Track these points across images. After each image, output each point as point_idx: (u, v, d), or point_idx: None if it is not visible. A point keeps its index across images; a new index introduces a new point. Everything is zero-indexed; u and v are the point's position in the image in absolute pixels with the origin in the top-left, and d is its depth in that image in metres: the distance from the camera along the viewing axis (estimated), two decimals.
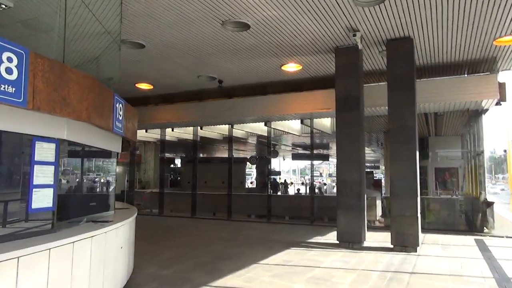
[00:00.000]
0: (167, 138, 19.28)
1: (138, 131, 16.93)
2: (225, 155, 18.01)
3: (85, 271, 3.88)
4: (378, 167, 43.31)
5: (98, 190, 5.98)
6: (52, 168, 3.79)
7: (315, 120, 13.82)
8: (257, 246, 8.80)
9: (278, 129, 15.46)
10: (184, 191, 18.09)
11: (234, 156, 26.19)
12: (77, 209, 4.74)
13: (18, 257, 2.96)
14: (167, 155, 30.81)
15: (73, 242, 3.64)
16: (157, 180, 25.46)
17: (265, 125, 14.07)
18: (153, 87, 13.22)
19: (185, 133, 16.69)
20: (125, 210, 6.80)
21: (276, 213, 14.42)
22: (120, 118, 5.05)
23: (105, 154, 5.76)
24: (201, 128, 15.49)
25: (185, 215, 15.25)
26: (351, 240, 8.78)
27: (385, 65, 10.07)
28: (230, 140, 15.40)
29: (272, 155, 24.14)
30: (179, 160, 30.11)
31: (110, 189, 5.98)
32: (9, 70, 2.98)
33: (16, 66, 3.03)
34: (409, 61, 8.70)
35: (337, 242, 8.98)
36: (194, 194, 15.45)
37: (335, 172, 10.30)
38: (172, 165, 30.01)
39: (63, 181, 5.40)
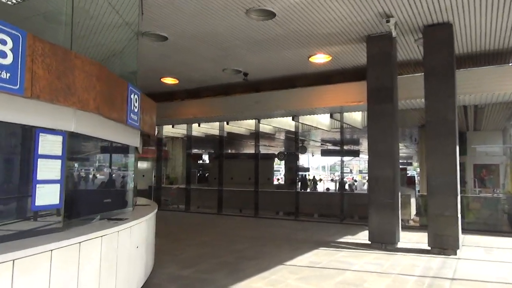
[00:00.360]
0: (195, 133, 19.15)
1: (165, 126, 16.99)
2: (253, 151, 17.69)
3: (94, 275, 3.60)
4: (410, 164, 41.88)
5: (115, 186, 5.71)
6: (58, 162, 3.52)
7: (345, 114, 13.24)
8: (283, 245, 8.40)
9: (306, 124, 14.95)
10: (211, 187, 17.90)
11: (262, 152, 25.92)
12: (90, 206, 4.49)
13: (13, 260, 2.68)
14: (195, 151, 30.93)
15: (79, 242, 3.36)
16: (185, 176, 25.55)
17: (293, 119, 13.60)
18: (178, 81, 13.02)
19: (212, 128, 16.47)
20: (146, 206, 6.55)
21: (305, 210, 13.94)
22: (136, 110, 4.76)
23: (122, 148, 5.50)
24: (227, 123, 15.19)
25: (212, 212, 15.03)
26: (384, 241, 8.24)
27: (421, 55, 9.42)
28: (256, 135, 15.03)
29: (300, 151, 23.62)
30: (207, 156, 30.10)
31: (128, 185, 5.71)
32: (2, 54, 2.71)
33: (11, 50, 2.76)
34: (448, 48, 8.03)
35: (369, 242, 8.46)
36: (221, 191, 15.19)
37: (366, 169, 9.74)
38: (200, 161, 30.02)
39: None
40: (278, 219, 13.40)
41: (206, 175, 26.32)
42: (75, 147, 4.38)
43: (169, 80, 12.93)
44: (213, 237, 9.46)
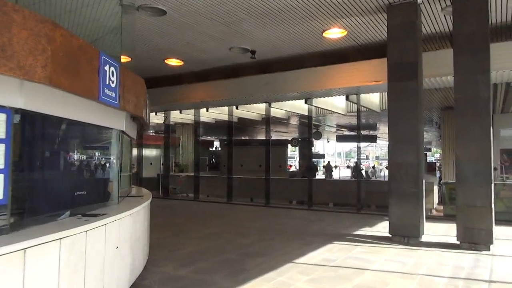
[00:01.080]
0: (205, 119, 18.43)
1: (173, 112, 16.29)
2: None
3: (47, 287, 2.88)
4: (429, 149, 40.49)
5: (93, 176, 4.97)
6: (1, 147, 2.79)
7: (362, 96, 12.28)
8: (294, 239, 7.63)
9: (320, 108, 14.05)
10: (223, 175, 17.20)
11: (275, 138, 25.10)
12: (56, 200, 3.77)
13: None
14: (206, 137, 30.25)
15: (24, 248, 2.63)
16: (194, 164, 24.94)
17: (306, 102, 12.72)
18: (183, 63, 12.22)
19: (222, 114, 15.69)
20: (137, 198, 5.85)
21: (319, 199, 13.15)
22: (113, 85, 3.99)
23: (101, 132, 4.75)
24: (236, 108, 14.38)
25: (221, 201, 14.35)
26: (406, 234, 7.40)
27: (449, 27, 8.42)
28: (267, 120, 14.19)
29: (314, 136, 22.71)
30: (218, 142, 29.42)
31: (112, 175, 4.98)
32: None
33: None
34: (481, 17, 7.01)
35: (389, 235, 7.63)
36: (230, 179, 14.47)
37: (383, 155, 8.84)
38: (211, 148, 29.36)
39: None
40: (291, 208, 12.63)
41: (217, 162, 25.70)
42: (37, 128, 3.65)
43: (173, 62, 12.14)
44: (219, 229, 8.75)
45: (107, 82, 3.85)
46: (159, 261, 5.95)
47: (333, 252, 6.64)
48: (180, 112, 15.94)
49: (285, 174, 19.25)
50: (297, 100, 13.72)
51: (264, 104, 13.66)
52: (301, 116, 18.09)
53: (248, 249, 6.84)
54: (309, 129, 14.42)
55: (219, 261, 5.99)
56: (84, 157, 4.36)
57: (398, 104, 7.68)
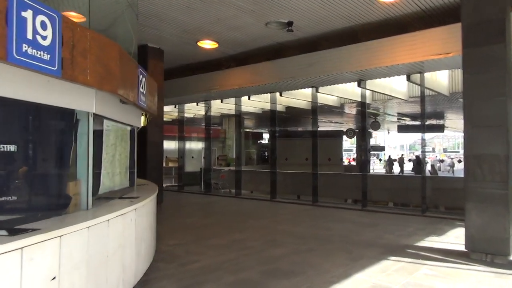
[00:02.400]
0: (251, 109, 17.17)
1: (216, 102, 15.15)
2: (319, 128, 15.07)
3: None
4: None
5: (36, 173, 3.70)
6: None
7: (426, 77, 10.26)
8: (338, 252, 6.07)
9: (377, 92, 12.20)
10: (272, 169, 15.84)
11: (327, 129, 23.24)
12: None
13: None
14: (256, 129, 29.04)
15: None
16: (244, 157, 23.80)
17: (359, 85, 10.92)
18: (218, 44, 10.96)
19: (268, 102, 14.25)
20: (127, 200, 4.63)
21: (375, 198, 11.36)
22: (44, 42, 2.73)
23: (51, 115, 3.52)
24: (280, 95, 12.87)
25: (264, 198, 13.01)
26: (490, 251, 5.55)
27: None
28: (314, 108, 12.54)
29: (372, 127, 20.60)
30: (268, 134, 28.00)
31: (77, 171, 3.74)
32: None
33: None
34: None
35: (465, 250, 5.82)
36: (274, 173, 13.06)
37: (450, 147, 6.94)
38: (261, 141, 28.08)
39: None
40: (341, 208, 10.94)
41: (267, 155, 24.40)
42: None
43: (207, 44, 10.92)
44: (249, 235, 7.39)
45: (29, 36, 2.59)
46: (154, 282, 4.69)
47: (388, 273, 5.00)
48: (222, 102, 14.76)
49: (338, 169, 17.45)
50: (349, 83, 11.96)
51: (310, 88, 12.03)
52: (357, 104, 16.20)
53: (275, 264, 5.41)
54: (363, 118, 12.60)
55: (234, 282, 4.62)
56: (13, 148, 3.11)
57: (477, 76, 5.80)
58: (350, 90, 12.97)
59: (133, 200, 4.61)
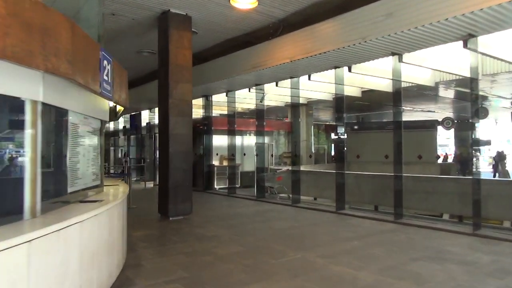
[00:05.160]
0: (319, 95, 14.03)
1: (271, 89, 12.18)
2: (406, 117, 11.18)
3: None
4: None
5: None
6: None
7: None
8: None
9: (493, 57, 8.37)
10: (338, 169, 12.57)
11: (419, 120, 18.96)
12: None
13: None
14: (327, 121, 25.44)
15: None
16: (314, 155, 20.56)
17: (465, 46, 7.21)
18: (258, 2, 8.08)
19: (335, 84, 10.96)
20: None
21: (491, 214, 7.64)
22: None
23: None
24: (349, 70, 9.50)
25: (328, 208, 9.82)
26: None
27: None
28: (397, 91, 8.93)
29: (478, 114, 16.03)
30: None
31: None
32: None
33: None
34: None
35: None
36: (341, 175, 9.79)
37: None
38: (336, 134, 24.37)
39: None
40: (437, 230, 7.36)
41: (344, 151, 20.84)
42: None
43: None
44: (283, 285, 4.39)
45: None
46: None
47: None
48: (277, 85, 11.79)
49: (432, 169, 13.45)
50: (448, 49, 8.30)
51: (392, 59, 8.52)
52: (458, 82, 12.18)
53: None
54: (474, 101, 8.69)
55: None
56: None
57: None
58: (447, 64, 9.25)
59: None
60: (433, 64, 9.23)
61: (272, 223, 8.21)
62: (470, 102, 8.72)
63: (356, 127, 17.57)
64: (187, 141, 8.84)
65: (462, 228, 7.30)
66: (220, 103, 14.83)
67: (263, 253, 5.79)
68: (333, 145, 22.69)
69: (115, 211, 4.34)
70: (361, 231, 7.33)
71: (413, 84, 11.62)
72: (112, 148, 24.06)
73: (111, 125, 24.72)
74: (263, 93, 12.63)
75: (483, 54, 7.82)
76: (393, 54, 8.23)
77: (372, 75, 10.19)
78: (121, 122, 23.08)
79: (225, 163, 15.15)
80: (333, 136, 25.06)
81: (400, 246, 6.17)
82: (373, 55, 8.36)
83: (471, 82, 7.91)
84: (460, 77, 10.30)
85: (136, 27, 9.68)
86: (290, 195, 11.38)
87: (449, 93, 14.75)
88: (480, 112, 14.08)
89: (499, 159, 21.25)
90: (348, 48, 7.85)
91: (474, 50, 7.29)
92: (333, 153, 22.43)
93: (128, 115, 20.76)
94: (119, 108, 5.38)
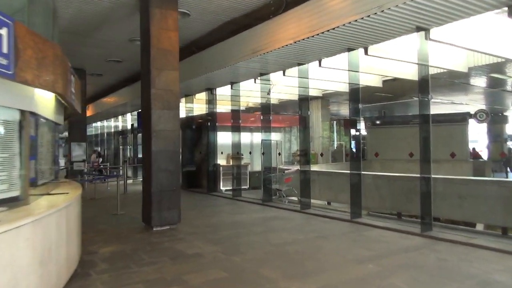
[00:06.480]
0: (334, 87, 12.51)
1: (279, 79, 10.39)
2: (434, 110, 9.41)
3: None
4: None
5: None
6: None
7: None
8: None
9: None
10: (353, 170, 11.07)
11: (448, 113, 17.14)
12: None
13: None
14: (343, 115, 23.72)
15: None
16: (333, 152, 19.06)
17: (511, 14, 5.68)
18: None
19: (348, 70, 9.43)
20: None
21: None
22: None
23: None
24: (366, 53, 8.00)
25: (342, 215, 8.39)
26: None
27: None
28: (423, 78, 7.32)
29: None
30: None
31: None
32: None
33: None
34: None
35: None
36: (358, 176, 8.33)
37: None
38: (355, 131, 22.72)
39: None
40: (478, 247, 5.83)
41: (364, 148, 19.17)
42: None
43: None
44: None
45: None
46: None
47: None
48: (284, 74, 10.38)
49: (464, 168, 11.76)
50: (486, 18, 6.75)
51: (418, 36, 6.98)
52: (492, 67, 10.48)
53: None
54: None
55: None
56: None
57: None
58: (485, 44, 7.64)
59: None
60: (468, 43, 7.62)
61: (272, 236, 6.84)
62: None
63: (378, 121, 15.99)
64: (173, 138, 7.55)
65: (509, 246, 5.75)
66: (227, 97, 13.53)
67: (247, 282, 4.44)
68: (353, 141, 21.08)
69: (25, 236, 3.10)
70: (379, 248, 5.88)
71: (443, 71, 10.02)
72: (121, 147, 23.18)
73: (119, 124, 23.90)
74: (270, 84, 11.26)
75: None
76: (418, 29, 6.71)
77: (394, 59, 8.65)
78: (129, 120, 22.16)
79: (233, 162, 13.86)
80: (352, 132, 23.36)
81: (429, 273, 4.71)
82: (394, 31, 6.84)
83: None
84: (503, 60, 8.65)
85: (117, 10, 8.48)
86: (300, 198, 9.97)
87: (483, 82, 13.00)
88: None
89: None
90: (361, 23, 6.39)
91: None
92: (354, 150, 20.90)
93: (136, 112, 19.78)
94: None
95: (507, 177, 17.93)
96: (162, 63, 7.44)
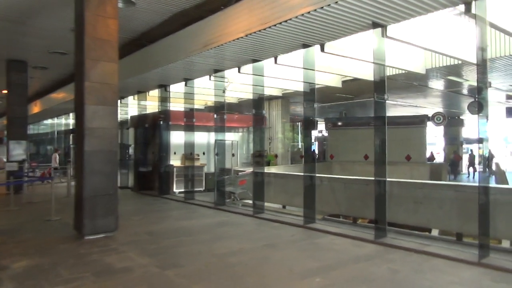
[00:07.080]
0: (295, 87, 12.07)
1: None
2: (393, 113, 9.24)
3: None
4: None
5: None
6: None
7: None
8: None
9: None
10: (307, 172, 10.64)
11: (409, 114, 17.21)
12: None
13: None
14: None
15: None
16: (292, 153, 18.74)
17: (469, 11, 5.38)
18: None
19: (303, 68, 8.97)
20: None
21: (502, 234, 5.87)
22: None
23: None
24: (322, 50, 7.59)
25: (297, 220, 7.94)
26: None
27: None
28: (379, 78, 6.99)
29: (472, 109, 14.31)
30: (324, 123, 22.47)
31: None
32: None
33: None
34: None
35: None
36: (311, 179, 7.90)
37: None
38: (316, 132, 22.53)
39: None
40: (432, 255, 5.51)
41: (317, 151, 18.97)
42: None
43: None
44: None
45: None
46: None
47: None
48: (239, 71, 9.83)
49: (421, 171, 11.67)
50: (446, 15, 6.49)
51: (374, 33, 6.61)
52: (450, 69, 10.42)
53: None
54: (480, 92, 6.77)
55: None
56: None
57: None
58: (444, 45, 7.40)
59: None
60: (425, 42, 7.36)
61: (218, 245, 6.27)
62: (480, 87, 6.70)
63: (339, 123, 15.78)
64: (110, 137, 6.82)
65: (464, 254, 5.45)
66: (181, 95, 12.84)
67: None
68: (316, 143, 20.93)
69: None
70: (329, 259, 5.44)
71: (401, 72, 9.83)
72: (71, 146, 21.87)
73: (70, 121, 22.59)
74: (225, 82, 10.71)
75: (494, 27, 6.01)
76: (375, 25, 6.34)
77: (351, 57, 8.29)
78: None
79: (187, 163, 13.17)
80: (316, 133, 23.18)
81: (380, 287, 4.30)
82: (350, 26, 6.44)
83: (480, 66, 5.96)
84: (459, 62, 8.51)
85: None
86: (255, 201, 9.46)
87: (440, 84, 13.02)
88: (481, 106, 12.34)
89: (489, 159, 19.71)
90: (315, 16, 5.94)
91: (480, 17, 5.47)
92: (316, 151, 20.75)
93: None
94: None
95: (454, 180, 18.36)
96: (98, 54, 6.70)
